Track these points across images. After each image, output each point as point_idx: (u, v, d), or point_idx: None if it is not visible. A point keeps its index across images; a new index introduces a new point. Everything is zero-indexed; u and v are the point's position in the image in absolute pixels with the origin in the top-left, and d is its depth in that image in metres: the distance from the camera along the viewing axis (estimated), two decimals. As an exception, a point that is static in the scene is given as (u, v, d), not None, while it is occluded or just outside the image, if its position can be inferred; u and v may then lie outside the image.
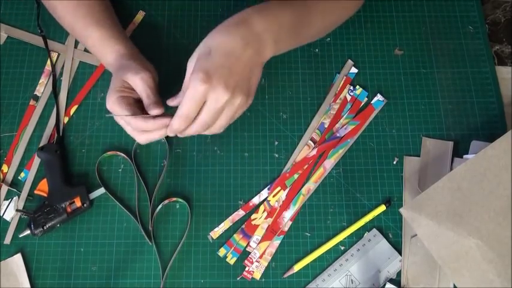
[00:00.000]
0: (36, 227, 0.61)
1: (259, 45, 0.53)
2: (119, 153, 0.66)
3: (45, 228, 0.61)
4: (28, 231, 0.62)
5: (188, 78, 0.53)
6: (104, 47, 0.62)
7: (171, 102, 0.55)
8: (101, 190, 0.64)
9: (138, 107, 0.57)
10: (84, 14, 0.62)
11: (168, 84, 0.71)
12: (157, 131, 0.56)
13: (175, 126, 0.53)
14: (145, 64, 0.61)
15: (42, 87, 0.70)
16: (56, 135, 0.67)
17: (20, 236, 0.62)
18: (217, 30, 0.53)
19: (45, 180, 0.64)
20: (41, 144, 0.66)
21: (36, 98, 0.69)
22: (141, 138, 0.57)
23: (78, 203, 0.62)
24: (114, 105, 0.56)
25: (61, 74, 0.71)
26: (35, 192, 0.64)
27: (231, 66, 0.51)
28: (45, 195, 0.63)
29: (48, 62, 0.71)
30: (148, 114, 0.56)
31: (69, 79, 0.70)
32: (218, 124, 0.54)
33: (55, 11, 0.64)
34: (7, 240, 0.63)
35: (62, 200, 0.62)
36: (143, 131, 0.56)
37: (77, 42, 0.72)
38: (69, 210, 0.62)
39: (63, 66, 0.71)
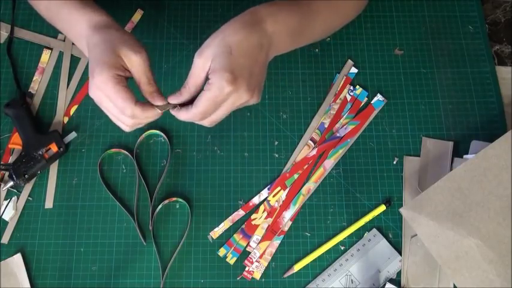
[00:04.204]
0: (18, 177, 0.62)
1: (269, 47, 0.53)
2: (122, 150, 0.66)
3: (26, 176, 0.62)
4: (11, 182, 0.63)
5: (197, 72, 0.50)
6: (78, 15, 0.54)
7: (174, 100, 0.52)
8: (73, 134, 0.66)
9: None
10: None
11: (167, 85, 0.71)
12: (150, 118, 0.51)
13: (184, 117, 0.51)
14: (134, 39, 0.53)
15: (36, 85, 0.70)
16: (18, 90, 0.69)
17: (3, 188, 0.63)
18: (234, 28, 0.50)
19: (17, 134, 0.66)
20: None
21: (31, 96, 0.69)
22: (128, 125, 0.52)
23: (54, 148, 0.64)
24: (106, 84, 0.48)
25: (59, 72, 0.71)
26: (9, 146, 0.66)
27: (251, 67, 0.50)
28: (20, 147, 0.65)
29: (42, 59, 0.71)
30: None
31: (67, 77, 0.70)
32: (222, 117, 0.52)
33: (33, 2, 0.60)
34: (5, 239, 0.63)
35: (37, 148, 0.64)
36: (134, 117, 0.51)
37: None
38: (46, 156, 0.64)
39: (61, 65, 0.71)
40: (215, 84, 0.48)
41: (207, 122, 0.52)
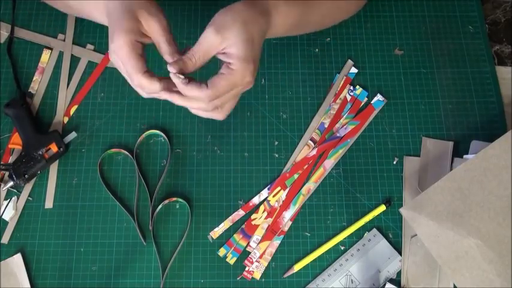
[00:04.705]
0: (18, 177, 0.62)
1: (265, 37, 0.54)
2: (122, 150, 0.66)
3: (26, 176, 0.63)
4: (11, 182, 0.63)
5: (210, 48, 0.48)
6: None
7: (174, 68, 0.49)
8: (73, 134, 0.66)
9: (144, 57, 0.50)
10: None
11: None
12: (154, 92, 0.50)
13: (193, 94, 0.49)
14: (152, 2, 0.52)
15: (36, 85, 0.70)
16: (18, 90, 0.69)
17: (3, 188, 0.63)
18: (253, 15, 0.50)
19: (17, 134, 0.66)
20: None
21: (31, 96, 0.69)
22: (143, 94, 0.52)
23: (54, 148, 0.64)
24: (121, 49, 0.48)
25: (59, 72, 0.71)
26: (9, 146, 0.66)
27: (257, 57, 0.51)
28: (20, 147, 0.65)
29: (42, 59, 0.71)
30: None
31: (67, 77, 0.70)
32: (225, 104, 0.52)
33: None
34: (5, 239, 0.63)
35: (37, 148, 0.64)
36: (141, 88, 0.50)
37: (75, 39, 0.72)
38: (46, 156, 0.64)
39: (61, 65, 0.71)
40: (239, 71, 0.48)
41: (210, 108, 0.50)
